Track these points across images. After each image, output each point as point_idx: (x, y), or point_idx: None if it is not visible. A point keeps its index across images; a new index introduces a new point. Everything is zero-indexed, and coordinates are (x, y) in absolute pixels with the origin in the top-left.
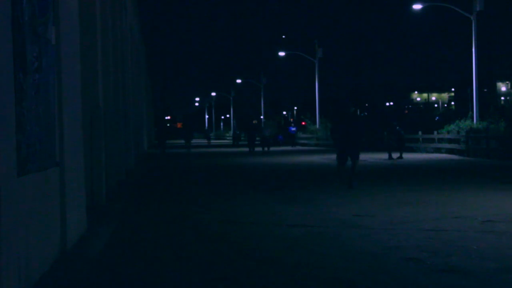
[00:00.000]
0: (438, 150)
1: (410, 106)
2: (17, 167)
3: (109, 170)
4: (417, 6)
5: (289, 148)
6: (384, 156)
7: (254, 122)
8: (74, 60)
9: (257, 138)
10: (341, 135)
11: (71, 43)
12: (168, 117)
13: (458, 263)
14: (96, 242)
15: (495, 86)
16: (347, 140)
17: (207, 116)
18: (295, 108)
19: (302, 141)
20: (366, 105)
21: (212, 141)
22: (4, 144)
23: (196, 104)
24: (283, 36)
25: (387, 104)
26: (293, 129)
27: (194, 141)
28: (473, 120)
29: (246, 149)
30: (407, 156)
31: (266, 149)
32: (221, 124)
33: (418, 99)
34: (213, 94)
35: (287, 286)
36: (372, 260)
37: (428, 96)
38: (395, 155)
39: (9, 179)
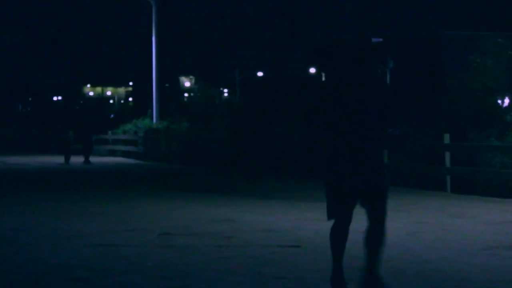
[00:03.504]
0: (112, 153)
1: (82, 102)
2: None
3: None
4: None
5: None
6: (58, 160)
7: None
8: None
9: None
10: (337, 140)
11: None
12: None
13: (132, 282)
14: None
15: (178, 80)
16: (355, 153)
17: None
18: None
19: None
20: (30, 99)
21: None
22: None
23: None
24: None
25: (55, 98)
26: None
27: None
28: (152, 119)
29: None
30: (78, 160)
31: None
32: None
33: (91, 93)
34: None
35: None
36: (31, 282)
37: (103, 90)
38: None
39: None
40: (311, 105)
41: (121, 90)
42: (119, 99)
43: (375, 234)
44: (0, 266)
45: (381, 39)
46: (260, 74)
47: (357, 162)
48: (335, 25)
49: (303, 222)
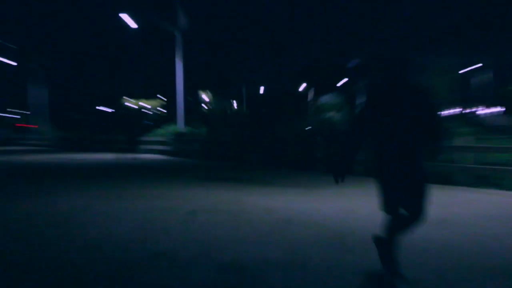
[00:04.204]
0: (150, 151)
1: (122, 111)
2: None
3: None
4: (134, 25)
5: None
6: (110, 156)
7: None
8: None
9: None
10: (387, 141)
11: None
12: None
13: (165, 248)
14: None
15: (198, 94)
16: (402, 155)
17: None
18: None
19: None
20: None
21: None
22: None
23: None
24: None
25: (104, 109)
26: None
27: None
28: (179, 125)
29: None
30: (125, 156)
31: None
32: None
33: (130, 104)
34: None
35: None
36: (88, 248)
37: (139, 102)
38: (124, 156)
39: None
40: (366, 111)
41: (155, 102)
42: (153, 109)
43: (408, 225)
44: (58, 238)
45: (359, 60)
46: (262, 89)
47: (404, 165)
48: (320, 49)
49: (293, 203)
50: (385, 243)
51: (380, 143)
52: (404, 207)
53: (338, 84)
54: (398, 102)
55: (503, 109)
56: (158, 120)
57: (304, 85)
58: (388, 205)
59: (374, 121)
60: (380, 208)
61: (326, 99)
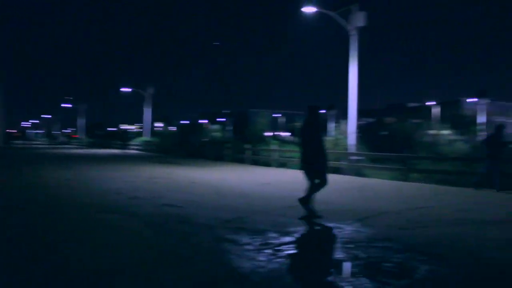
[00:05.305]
0: (132, 149)
1: (120, 129)
2: None
3: None
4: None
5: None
6: (113, 150)
7: None
8: None
9: None
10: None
11: None
12: (12, 130)
13: (138, 195)
14: None
15: (154, 122)
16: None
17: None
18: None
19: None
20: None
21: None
22: None
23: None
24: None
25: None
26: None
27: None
28: (146, 136)
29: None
30: (120, 151)
31: None
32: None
33: (123, 127)
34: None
35: (60, 203)
36: (103, 195)
37: (128, 126)
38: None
39: None
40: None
41: (136, 126)
42: None
43: (318, 188)
44: (87, 189)
45: (261, 110)
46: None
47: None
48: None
49: (196, 173)
50: (305, 199)
51: (306, 148)
52: (317, 178)
53: (218, 120)
54: (310, 129)
55: (290, 133)
56: (137, 134)
57: (204, 120)
58: (311, 177)
59: (302, 138)
60: (306, 180)
61: (213, 126)
